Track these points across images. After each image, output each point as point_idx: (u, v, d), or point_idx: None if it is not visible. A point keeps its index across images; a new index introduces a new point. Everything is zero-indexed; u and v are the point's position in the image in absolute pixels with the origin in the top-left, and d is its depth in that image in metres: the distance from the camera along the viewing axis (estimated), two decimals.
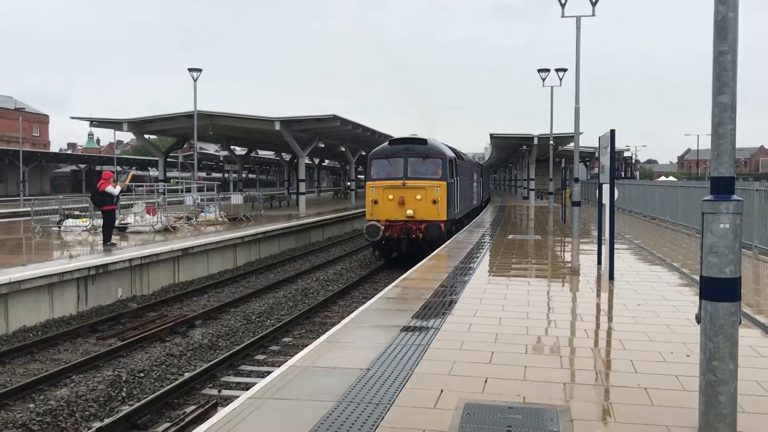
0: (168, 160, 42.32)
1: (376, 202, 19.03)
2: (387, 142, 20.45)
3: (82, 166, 66.97)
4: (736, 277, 4.14)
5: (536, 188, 46.30)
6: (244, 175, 55.19)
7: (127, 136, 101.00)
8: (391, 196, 18.89)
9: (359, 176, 61.17)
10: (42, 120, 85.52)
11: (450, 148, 22.45)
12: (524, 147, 43.09)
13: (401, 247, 18.95)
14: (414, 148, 19.44)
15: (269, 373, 6.83)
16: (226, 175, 67.34)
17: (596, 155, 40.93)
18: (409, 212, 18.71)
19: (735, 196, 4.15)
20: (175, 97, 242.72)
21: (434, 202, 18.71)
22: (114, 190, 17.13)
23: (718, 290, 4.14)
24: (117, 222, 19.38)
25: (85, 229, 21.22)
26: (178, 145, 41.89)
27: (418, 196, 18.74)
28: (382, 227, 18.47)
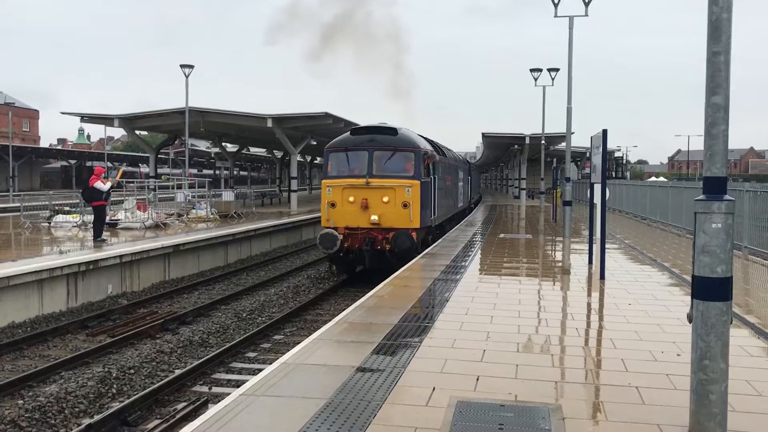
0: (159, 156, 42.13)
1: (333, 205, 15.79)
2: (348, 132, 17.10)
3: (73, 161, 66.56)
4: (728, 277, 4.16)
5: (527, 187, 46.47)
6: (235, 172, 55.05)
7: (117, 132, 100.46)
8: (351, 198, 15.60)
9: None
10: (32, 115, 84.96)
11: (428, 140, 19.17)
12: (516, 146, 43.22)
13: (364, 260, 15.82)
14: (381, 139, 16.07)
15: (260, 370, 6.82)
16: (218, 172, 67.10)
17: (587, 155, 41.05)
18: (374, 218, 15.44)
19: (727, 196, 4.17)
20: (160, 93, 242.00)
21: (405, 205, 15.45)
22: (103, 186, 16.99)
23: (709, 290, 4.16)
24: (108, 218, 19.27)
25: (75, 225, 21.11)
26: (170, 142, 41.66)
27: (385, 199, 15.48)
28: (341, 236, 15.39)
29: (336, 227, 15.66)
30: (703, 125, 4.24)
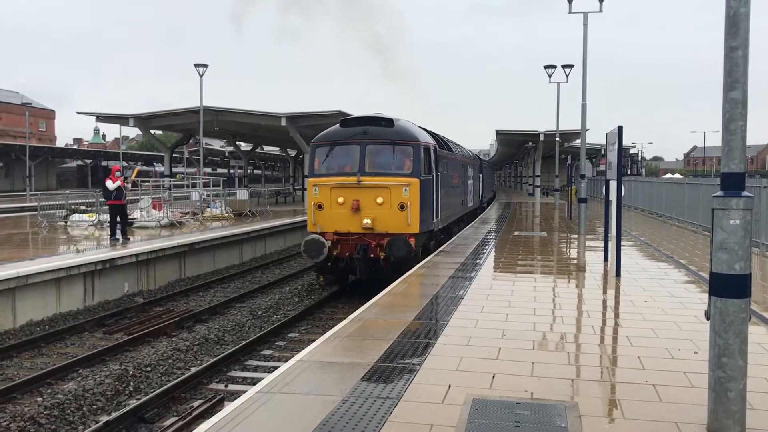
0: (174, 155, 42.40)
1: (320, 207, 13.78)
2: (338, 123, 14.76)
3: (88, 161, 67.14)
4: (746, 274, 4.13)
5: (542, 185, 46.30)
6: (249, 171, 55.27)
7: (132, 132, 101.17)
8: (341, 199, 13.64)
9: None
10: (48, 115, 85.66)
11: (431, 133, 16.99)
12: (530, 143, 43.08)
13: (355, 269, 13.81)
14: (375, 131, 13.99)
15: (276, 368, 6.85)
16: (232, 170, 67.41)
17: (603, 152, 40.76)
18: (367, 222, 13.46)
19: (745, 192, 4.13)
20: (164, 90, 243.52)
21: (402, 207, 13.48)
22: (111, 185, 17.03)
23: (727, 286, 4.13)
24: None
25: (91, 224, 21.29)
26: (184, 141, 41.98)
27: (380, 199, 13.52)
28: (329, 243, 13.46)
29: (323, 232, 13.74)
30: (721, 121, 4.20)
